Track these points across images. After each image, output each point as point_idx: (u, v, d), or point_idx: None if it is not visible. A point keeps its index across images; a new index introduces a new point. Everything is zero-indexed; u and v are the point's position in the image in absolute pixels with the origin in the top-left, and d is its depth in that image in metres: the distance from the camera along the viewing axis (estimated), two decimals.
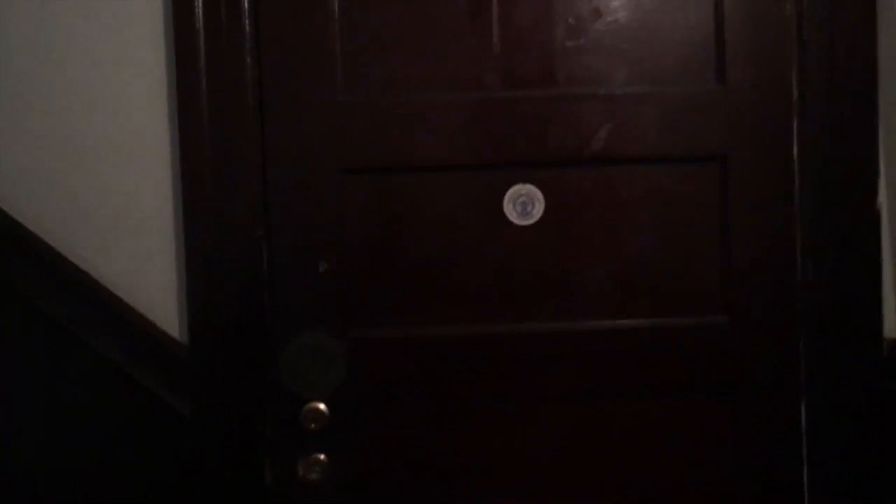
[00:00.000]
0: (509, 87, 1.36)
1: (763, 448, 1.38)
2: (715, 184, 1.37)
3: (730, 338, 1.38)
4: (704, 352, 1.38)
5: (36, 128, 1.35)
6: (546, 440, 1.40)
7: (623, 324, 1.38)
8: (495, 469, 1.39)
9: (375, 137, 1.35)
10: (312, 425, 1.35)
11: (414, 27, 1.35)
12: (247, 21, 1.33)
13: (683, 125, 1.36)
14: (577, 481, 1.39)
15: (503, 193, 1.37)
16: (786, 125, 1.36)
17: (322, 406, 1.35)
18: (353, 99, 1.35)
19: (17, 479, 1.37)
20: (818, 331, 1.36)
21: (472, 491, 1.39)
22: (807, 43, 1.35)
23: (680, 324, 1.38)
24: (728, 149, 1.36)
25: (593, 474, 1.40)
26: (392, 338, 1.37)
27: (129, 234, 1.36)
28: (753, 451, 1.39)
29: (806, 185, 1.36)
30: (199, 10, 1.32)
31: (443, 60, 1.36)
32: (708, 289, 1.38)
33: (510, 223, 1.37)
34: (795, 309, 1.37)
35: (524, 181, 1.37)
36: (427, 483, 1.39)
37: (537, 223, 1.38)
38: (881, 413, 1.36)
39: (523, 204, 1.37)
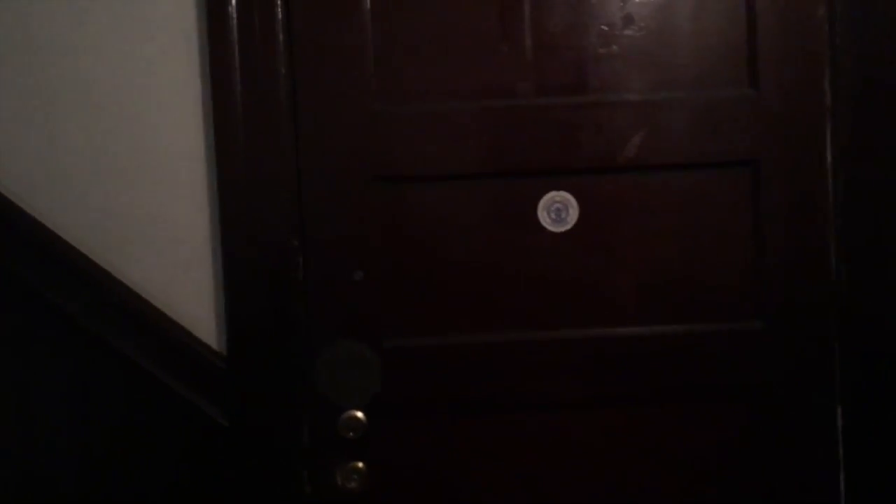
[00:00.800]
0: (542, 95, 1.37)
1: (799, 454, 1.39)
2: (748, 189, 1.37)
3: (764, 343, 1.38)
4: (738, 357, 1.38)
5: (70, 140, 1.36)
6: (581, 446, 1.40)
7: (658, 330, 1.38)
8: (534, 476, 1.40)
9: (409, 146, 1.35)
10: (350, 434, 1.36)
11: (447, 35, 1.36)
12: (280, 31, 1.33)
13: (716, 130, 1.36)
14: (615, 487, 1.40)
15: (537, 200, 1.37)
16: (819, 129, 1.36)
17: (359, 414, 1.36)
18: (387, 108, 1.36)
19: (52, 488, 1.37)
20: (853, 334, 1.37)
21: (510, 499, 1.39)
22: (839, 47, 1.35)
23: (714, 330, 1.38)
24: (761, 153, 1.36)
25: (632, 480, 1.40)
26: (427, 346, 1.38)
27: (166, 245, 1.36)
28: (789, 457, 1.39)
29: (839, 189, 1.36)
30: (234, 21, 1.32)
31: (476, 68, 1.36)
32: (742, 294, 1.38)
33: (544, 230, 1.37)
34: (830, 313, 1.37)
35: (558, 188, 1.37)
36: (464, 490, 1.40)
37: (571, 230, 1.38)
38: None
39: (557, 210, 1.37)
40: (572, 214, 1.38)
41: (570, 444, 1.40)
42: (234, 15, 1.32)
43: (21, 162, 1.36)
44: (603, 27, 1.36)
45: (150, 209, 1.36)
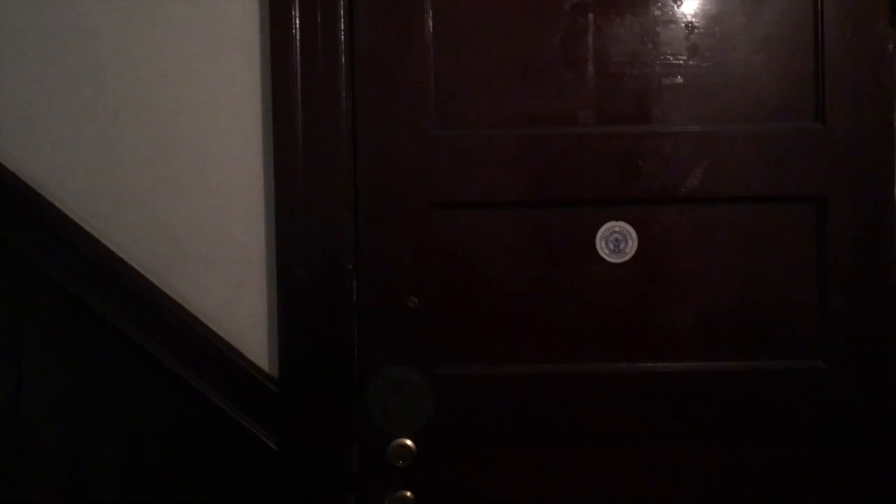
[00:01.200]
0: (604, 123, 1.35)
1: (860, 498, 1.34)
2: (812, 225, 1.34)
3: (826, 384, 1.34)
4: (798, 398, 1.34)
5: (128, 157, 1.37)
6: (630, 482, 1.37)
7: (715, 366, 1.35)
8: None
9: (468, 172, 1.34)
10: (400, 462, 1.34)
11: (509, 62, 1.35)
12: (343, 55, 1.33)
13: (781, 165, 1.33)
14: None
15: (596, 230, 1.35)
16: (886, 166, 1.33)
17: (409, 442, 1.34)
18: (446, 133, 1.35)
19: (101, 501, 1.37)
20: None
21: None
22: None
23: (775, 368, 1.35)
24: (827, 189, 1.33)
25: None
26: (479, 375, 1.36)
27: (222, 267, 1.36)
28: (845, 499, 1.35)
29: None
30: (297, 43, 1.32)
31: (537, 96, 1.35)
32: (803, 333, 1.35)
33: (602, 260, 1.35)
34: (894, 355, 1.33)
35: (617, 218, 1.35)
36: None
37: (629, 261, 1.36)
38: None
39: (616, 241, 1.35)
40: (631, 245, 1.36)
41: (621, 480, 1.36)
42: (298, 38, 1.32)
43: (81, 180, 1.37)
44: (667, 57, 1.34)
45: (207, 230, 1.36)
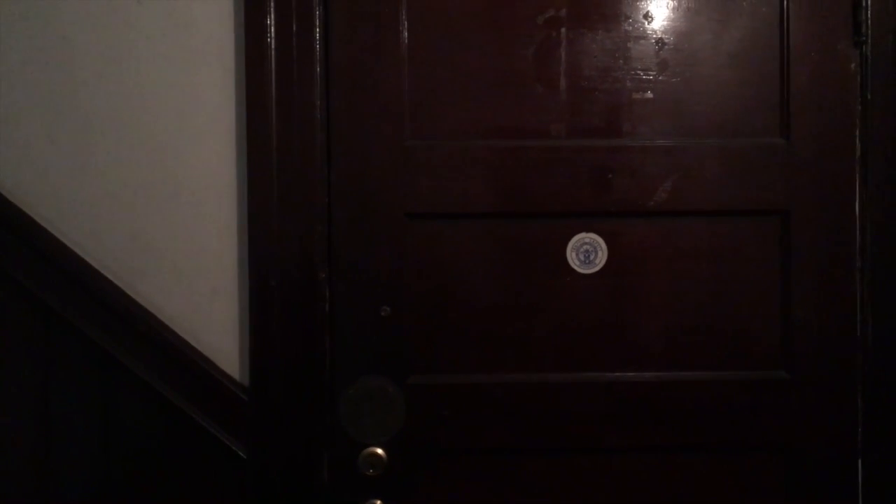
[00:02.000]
0: (575, 137, 1.37)
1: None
2: (777, 238, 1.38)
3: (788, 394, 1.37)
4: (762, 407, 1.38)
5: (101, 163, 1.36)
6: (598, 492, 1.39)
7: (682, 376, 1.38)
8: None
9: (440, 184, 1.35)
10: (370, 470, 1.34)
11: (483, 75, 1.36)
12: (318, 64, 1.34)
13: (747, 179, 1.37)
14: None
15: (567, 241, 1.37)
16: (848, 181, 1.37)
17: (380, 451, 1.35)
18: (420, 144, 1.36)
19: None
20: (876, 389, 1.36)
21: None
22: (870, 101, 1.36)
23: (738, 378, 1.38)
24: (790, 203, 1.37)
25: None
26: (451, 384, 1.37)
27: (193, 275, 1.36)
28: None
29: (867, 242, 1.36)
30: (272, 52, 1.32)
31: (510, 109, 1.37)
32: (768, 344, 1.38)
33: (573, 271, 1.37)
34: (854, 366, 1.37)
35: (588, 230, 1.37)
36: None
37: (599, 272, 1.38)
38: None
39: (586, 252, 1.37)
40: (601, 256, 1.38)
41: (591, 489, 1.38)
42: (273, 47, 1.32)
43: (51, 185, 1.35)
44: (638, 72, 1.37)
45: (178, 238, 1.36)
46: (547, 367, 1.38)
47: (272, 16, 1.33)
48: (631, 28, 1.37)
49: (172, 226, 1.36)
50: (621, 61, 1.37)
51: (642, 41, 1.37)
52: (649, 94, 1.37)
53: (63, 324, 1.33)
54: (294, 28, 1.33)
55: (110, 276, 1.35)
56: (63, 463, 1.35)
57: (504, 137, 1.36)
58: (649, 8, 1.37)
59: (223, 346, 1.36)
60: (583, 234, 1.38)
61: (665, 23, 1.37)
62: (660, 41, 1.37)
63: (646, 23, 1.37)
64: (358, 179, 1.35)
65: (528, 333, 1.38)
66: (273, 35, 1.32)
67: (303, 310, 1.34)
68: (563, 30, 1.37)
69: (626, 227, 1.38)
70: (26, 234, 1.33)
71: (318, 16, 1.34)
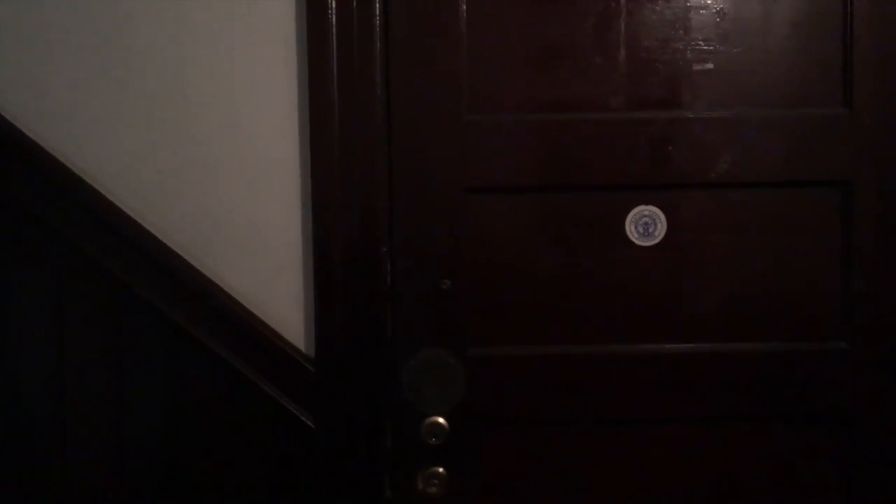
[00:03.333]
0: (635, 109, 1.37)
1: (880, 477, 1.38)
2: (838, 209, 1.37)
3: (848, 365, 1.37)
4: (821, 378, 1.38)
5: (166, 140, 1.38)
6: (656, 463, 1.41)
7: (741, 347, 1.38)
8: (605, 489, 1.41)
9: (499, 158, 1.36)
10: (433, 439, 1.37)
11: (541, 48, 1.36)
12: (378, 40, 1.34)
13: (808, 150, 1.36)
14: None
15: (626, 214, 1.38)
16: None
17: (442, 420, 1.38)
18: (478, 119, 1.36)
19: (141, 480, 1.41)
20: None
21: None
22: None
23: (798, 349, 1.38)
24: (852, 174, 1.36)
25: (702, 500, 1.41)
26: (510, 356, 1.39)
27: (259, 250, 1.38)
28: (869, 480, 1.39)
29: None
30: (333, 29, 1.33)
31: (568, 81, 1.36)
32: (828, 315, 1.38)
33: (632, 244, 1.38)
34: None
35: (647, 202, 1.38)
36: (541, 498, 1.41)
37: (658, 244, 1.38)
38: None
39: (645, 224, 1.38)
40: (660, 229, 1.38)
41: (647, 460, 1.40)
42: (334, 23, 1.33)
43: (120, 163, 1.38)
44: (698, 42, 1.35)
45: (244, 214, 1.38)
46: (606, 339, 1.39)
47: None
48: None
49: (237, 202, 1.38)
50: (681, 32, 1.36)
51: (703, 11, 1.35)
52: (710, 65, 1.36)
53: (134, 297, 1.36)
54: (354, 3, 1.34)
55: (179, 251, 1.38)
56: (135, 429, 1.39)
57: (562, 110, 1.36)
58: None
59: (289, 320, 1.39)
60: (642, 207, 1.38)
61: None
62: (720, 11, 1.35)
63: None
64: (417, 154, 1.36)
65: (586, 305, 1.39)
66: (334, 10, 1.33)
67: (365, 283, 1.36)
68: (622, 1, 1.36)
69: (686, 199, 1.38)
70: (97, 209, 1.35)
71: None
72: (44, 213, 1.35)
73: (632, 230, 1.38)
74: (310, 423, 1.37)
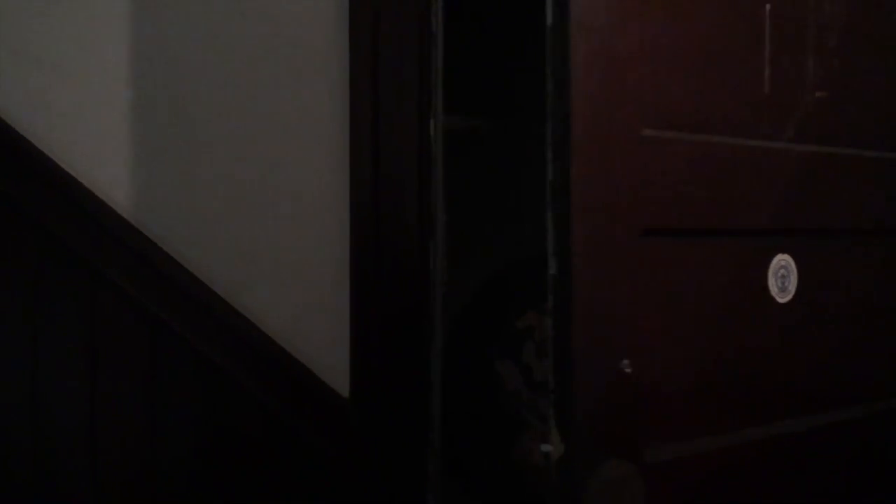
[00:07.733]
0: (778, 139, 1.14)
1: None
2: None
3: None
4: None
5: (207, 179, 1.32)
6: None
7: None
8: None
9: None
10: None
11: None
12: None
13: None
14: None
15: (768, 263, 1.14)
16: None
17: None
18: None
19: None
20: None
21: None
22: None
23: None
24: None
25: None
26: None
27: (295, 288, 1.34)
28: None
29: None
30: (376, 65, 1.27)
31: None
32: None
33: (772, 300, 1.15)
34: None
35: (782, 251, 1.16)
36: None
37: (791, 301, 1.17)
38: None
39: (782, 277, 1.16)
40: (792, 281, 1.17)
41: None
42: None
43: (158, 199, 1.31)
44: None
45: (283, 250, 1.34)
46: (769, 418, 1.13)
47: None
48: None
49: (277, 239, 1.33)
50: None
51: None
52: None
53: (169, 333, 1.29)
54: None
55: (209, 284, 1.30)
56: (167, 463, 1.31)
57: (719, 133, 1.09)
58: None
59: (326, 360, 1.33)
60: (780, 256, 1.16)
61: None
62: None
63: None
64: None
65: (743, 378, 1.11)
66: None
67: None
68: None
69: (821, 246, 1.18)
70: (132, 244, 1.28)
71: None
72: (80, 248, 1.27)
73: (772, 284, 1.15)
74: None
